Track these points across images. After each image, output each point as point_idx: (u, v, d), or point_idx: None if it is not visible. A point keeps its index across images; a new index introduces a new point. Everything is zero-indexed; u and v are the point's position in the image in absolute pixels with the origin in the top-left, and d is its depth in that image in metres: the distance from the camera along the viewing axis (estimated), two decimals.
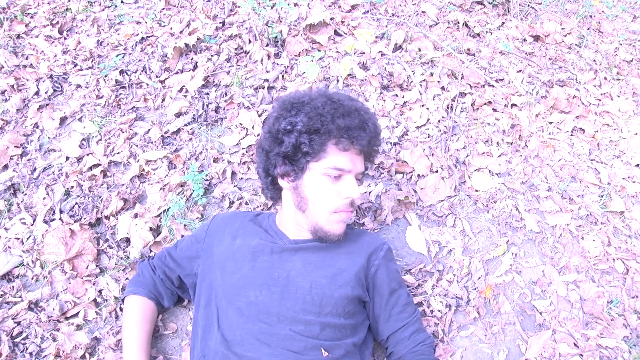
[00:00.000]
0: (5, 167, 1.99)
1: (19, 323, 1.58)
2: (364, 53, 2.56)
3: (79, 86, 2.29)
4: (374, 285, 1.45)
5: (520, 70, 2.74)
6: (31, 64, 2.37)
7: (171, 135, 2.13)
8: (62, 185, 1.92)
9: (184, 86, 2.29)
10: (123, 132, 2.11)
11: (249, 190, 1.97)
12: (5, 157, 2.01)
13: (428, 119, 2.30)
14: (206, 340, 1.34)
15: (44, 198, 1.89)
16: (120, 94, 2.27)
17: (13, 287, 1.65)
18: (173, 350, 1.58)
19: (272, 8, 2.67)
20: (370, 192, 1.99)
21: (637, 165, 2.34)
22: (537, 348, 1.64)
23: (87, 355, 1.53)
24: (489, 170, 2.15)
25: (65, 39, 2.54)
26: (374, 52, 2.57)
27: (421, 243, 1.86)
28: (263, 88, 2.31)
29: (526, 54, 2.93)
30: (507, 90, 2.55)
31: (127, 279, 1.70)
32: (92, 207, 1.87)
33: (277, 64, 2.42)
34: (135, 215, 1.85)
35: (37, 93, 2.24)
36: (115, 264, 1.74)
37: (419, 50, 2.65)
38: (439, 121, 2.30)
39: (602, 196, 2.15)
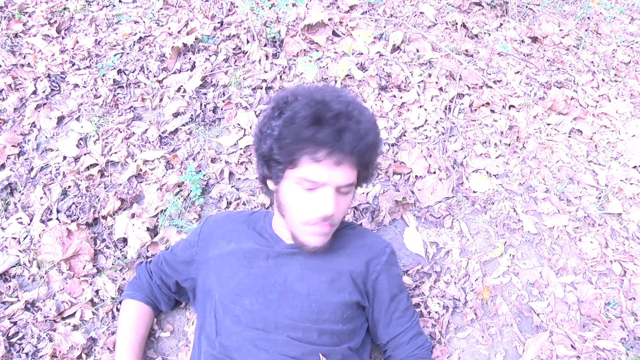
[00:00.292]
0: (3, 166, 1.99)
1: (15, 323, 1.57)
2: (362, 54, 2.56)
3: (76, 85, 2.29)
4: (374, 292, 1.41)
5: (518, 72, 2.74)
6: (29, 63, 2.37)
7: (169, 135, 2.13)
8: (59, 185, 1.92)
9: (181, 86, 2.29)
10: (120, 132, 2.10)
11: (247, 191, 1.97)
12: (3, 156, 2.00)
13: (426, 120, 2.30)
14: (207, 347, 1.33)
15: (41, 197, 1.88)
16: (118, 93, 2.27)
17: (9, 286, 1.65)
18: (170, 352, 1.58)
19: (270, 8, 2.66)
20: (367, 193, 1.99)
21: (635, 167, 2.35)
22: (534, 350, 1.64)
23: (84, 356, 1.53)
24: (487, 172, 2.15)
25: (63, 38, 2.53)
26: (372, 52, 2.57)
27: (419, 244, 1.86)
28: (261, 88, 2.31)
29: (524, 55, 2.93)
30: (505, 92, 2.55)
31: (124, 279, 1.70)
32: (89, 207, 1.86)
33: (275, 65, 2.42)
34: (133, 216, 1.84)
35: (34, 92, 2.24)
36: (112, 264, 1.73)
37: (417, 51, 2.65)
38: (436, 122, 2.30)
39: (599, 198, 2.15)
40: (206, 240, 1.47)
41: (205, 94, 2.28)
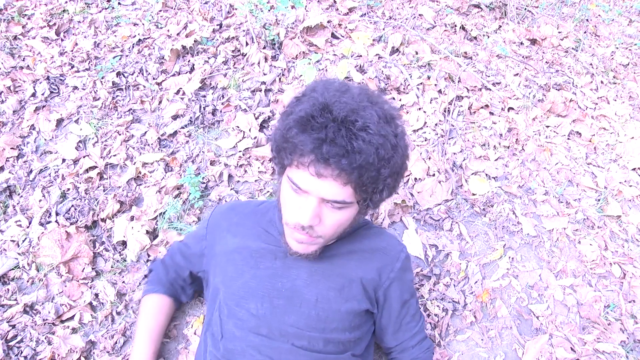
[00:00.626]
0: (1, 168, 1.98)
1: (14, 326, 1.57)
2: (361, 56, 2.56)
3: (75, 88, 2.28)
4: (385, 299, 1.35)
5: (517, 74, 2.75)
6: (28, 66, 2.36)
7: (168, 137, 2.12)
8: (58, 188, 1.91)
9: (181, 88, 2.29)
10: (120, 135, 2.10)
11: (246, 193, 1.96)
12: (2, 158, 2.00)
13: (425, 123, 2.30)
14: (212, 348, 1.32)
15: (40, 200, 1.88)
16: (117, 96, 2.26)
17: (8, 289, 1.64)
18: (170, 355, 1.57)
19: (269, 11, 2.66)
20: None
21: (634, 169, 2.35)
22: (533, 352, 1.64)
23: (83, 359, 1.52)
24: (486, 174, 2.15)
25: (62, 40, 2.53)
26: (371, 55, 2.57)
27: (418, 247, 1.85)
28: (260, 91, 2.31)
29: (523, 57, 2.93)
30: (504, 94, 2.55)
31: (123, 282, 1.70)
32: (88, 209, 1.86)
33: (274, 67, 2.42)
34: (132, 218, 1.84)
35: (33, 95, 2.24)
36: (112, 267, 1.73)
37: (416, 53, 2.65)
38: (436, 124, 2.30)
39: (599, 200, 2.15)
40: (213, 234, 1.43)
41: (205, 96, 2.28)
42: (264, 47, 2.49)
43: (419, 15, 3.04)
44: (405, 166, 1.11)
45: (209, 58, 2.43)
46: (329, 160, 0.98)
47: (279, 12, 2.62)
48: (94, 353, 1.55)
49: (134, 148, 2.07)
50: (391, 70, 2.49)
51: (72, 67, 2.38)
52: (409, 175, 2.08)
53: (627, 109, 2.70)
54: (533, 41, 3.13)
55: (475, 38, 2.98)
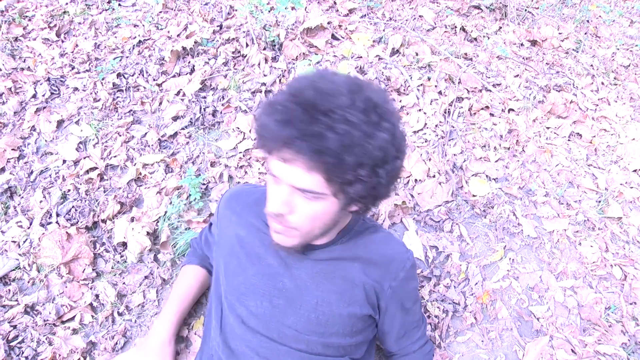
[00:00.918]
0: (2, 169, 1.98)
1: (15, 327, 1.57)
2: (361, 57, 2.56)
3: (76, 89, 2.29)
4: (387, 307, 1.30)
5: (517, 75, 2.75)
6: (29, 67, 2.37)
7: (168, 138, 2.13)
8: (59, 189, 1.92)
9: (181, 89, 2.29)
10: (120, 136, 2.10)
11: None
12: (2, 159, 2.00)
13: (425, 124, 2.30)
14: (213, 342, 1.33)
15: (40, 201, 1.88)
16: (118, 97, 2.27)
17: (9, 290, 1.65)
18: None
19: (269, 12, 2.67)
20: None
21: (635, 170, 2.35)
22: (534, 354, 1.64)
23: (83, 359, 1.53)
24: (486, 175, 2.15)
25: (62, 41, 2.54)
26: (371, 56, 2.57)
27: (418, 248, 1.85)
28: (260, 92, 2.31)
29: (523, 58, 2.93)
30: (504, 95, 2.55)
31: (123, 283, 1.70)
32: (89, 210, 1.86)
33: (275, 68, 2.42)
34: (132, 219, 1.84)
35: (34, 96, 2.24)
36: (112, 268, 1.73)
37: (417, 54, 2.65)
38: (436, 126, 2.30)
39: (599, 202, 2.15)
40: (221, 222, 1.41)
41: (205, 97, 2.28)
42: (264, 48, 2.49)
43: (419, 16, 3.04)
44: (387, 159, 0.99)
45: (209, 59, 2.43)
46: (289, 143, 0.94)
47: (279, 13, 2.62)
48: (94, 354, 1.55)
49: (134, 149, 2.07)
50: (391, 72, 2.49)
51: (73, 68, 2.38)
52: (409, 177, 2.08)
53: (628, 110, 2.70)
54: (533, 42, 3.13)
55: (475, 39, 2.98)
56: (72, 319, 1.61)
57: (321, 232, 1.13)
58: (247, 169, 2.05)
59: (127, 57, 2.45)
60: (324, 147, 0.91)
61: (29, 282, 1.68)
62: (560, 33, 3.26)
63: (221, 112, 2.23)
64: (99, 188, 1.94)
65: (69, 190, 1.92)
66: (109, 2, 2.77)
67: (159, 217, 1.85)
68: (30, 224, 1.82)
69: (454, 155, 2.20)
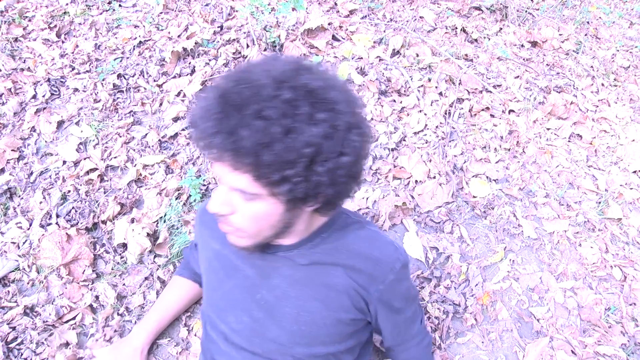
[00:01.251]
0: (2, 170, 1.98)
1: (14, 328, 1.57)
2: (361, 58, 2.56)
3: (76, 90, 2.28)
4: (377, 310, 1.20)
5: (517, 76, 2.75)
6: (29, 68, 2.36)
7: (168, 139, 2.13)
8: (59, 190, 1.91)
9: (181, 90, 2.29)
10: (120, 137, 2.10)
11: None
12: (2, 160, 2.00)
13: (426, 125, 2.30)
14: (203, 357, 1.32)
15: (40, 202, 1.88)
16: (118, 98, 2.27)
17: (8, 291, 1.64)
18: (169, 358, 1.57)
19: (270, 13, 2.67)
20: (367, 198, 1.99)
21: (635, 171, 2.35)
22: (534, 355, 1.63)
23: None
24: (487, 177, 2.15)
25: (63, 42, 2.53)
26: (371, 57, 2.57)
27: (419, 249, 1.85)
28: None
29: (524, 59, 2.93)
30: (504, 96, 2.55)
31: (123, 284, 1.69)
32: (89, 211, 1.86)
33: None
34: (132, 220, 1.84)
35: (34, 96, 2.24)
36: (112, 270, 1.73)
37: (417, 55, 2.65)
38: (436, 127, 2.30)
39: (599, 203, 2.15)
40: (198, 238, 1.37)
41: None
42: (265, 49, 2.49)
43: (420, 17, 3.04)
44: (323, 156, 0.87)
45: (209, 60, 2.43)
46: (208, 140, 0.86)
47: (280, 14, 2.62)
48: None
49: (134, 150, 2.07)
50: (392, 73, 2.49)
51: (73, 69, 2.38)
52: (409, 178, 2.08)
53: (628, 112, 2.70)
54: (534, 43, 3.13)
55: (476, 40, 2.98)
56: (72, 320, 1.61)
57: (274, 234, 1.04)
58: None
59: (127, 57, 2.45)
60: (239, 145, 0.83)
61: (28, 283, 1.68)
62: (560, 34, 3.26)
63: None
64: (99, 189, 1.94)
65: (69, 191, 1.92)
66: (109, 3, 2.77)
67: (160, 218, 1.85)
68: (30, 225, 1.82)
69: (455, 156, 2.20)
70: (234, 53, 2.46)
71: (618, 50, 3.30)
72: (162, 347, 1.58)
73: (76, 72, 2.37)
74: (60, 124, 2.15)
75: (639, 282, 1.88)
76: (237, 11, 2.73)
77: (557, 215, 2.06)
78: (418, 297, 1.35)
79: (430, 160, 2.14)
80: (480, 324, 1.71)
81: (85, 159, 2.02)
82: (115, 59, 2.42)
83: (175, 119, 2.18)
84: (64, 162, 2.02)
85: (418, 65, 2.59)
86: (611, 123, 2.61)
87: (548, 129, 2.47)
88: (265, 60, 0.95)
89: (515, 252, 1.92)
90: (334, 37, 2.67)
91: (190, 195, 1.89)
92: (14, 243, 1.77)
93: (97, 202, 1.90)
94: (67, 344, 1.54)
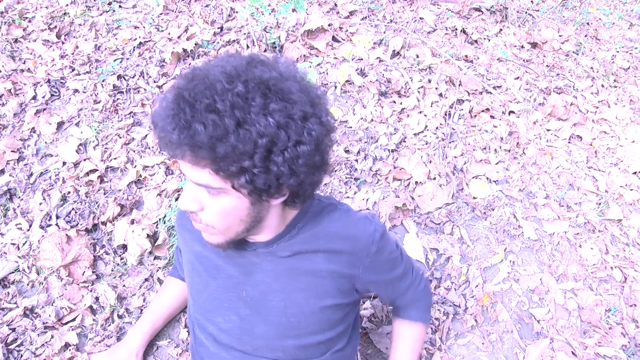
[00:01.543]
0: (2, 171, 1.98)
1: (13, 330, 1.56)
2: (361, 59, 2.56)
3: (76, 91, 2.28)
4: (365, 283, 1.20)
5: (517, 77, 2.75)
6: (29, 69, 2.36)
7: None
8: (59, 191, 1.91)
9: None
10: (120, 138, 2.10)
11: None
12: (2, 161, 2.00)
13: (426, 126, 2.30)
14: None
15: (40, 203, 1.88)
16: (118, 99, 2.26)
17: (8, 293, 1.64)
18: (169, 357, 1.57)
19: (270, 14, 2.67)
20: (367, 199, 1.99)
21: (635, 172, 2.35)
22: (534, 356, 1.63)
23: None
24: (487, 178, 2.15)
25: (63, 43, 2.53)
26: (371, 58, 2.57)
27: (419, 250, 1.85)
28: None
29: (524, 61, 2.93)
30: (504, 97, 2.55)
31: (124, 285, 1.69)
32: (89, 212, 1.86)
33: None
34: (132, 222, 1.84)
35: (34, 97, 2.23)
36: (112, 271, 1.73)
37: (417, 56, 2.65)
38: (436, 128, 2.30)
39: (599, 204, 2.15)
40: (180, 241, 1.36)
41: None
42: (265, 50, 2.49)
43: (420, 18, 3.05)
44: (279, 145, 0.88)
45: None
46: (167, 137, 0.87)
47: (280, 15, 2.62)
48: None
49: (134, 151, 2.07)
50: (392, 74, 2.49)
51: (73, 70, 2.38)
52: (409, 179, 2.08)
53: (628, 113, 2.70)
54: (534, 45, 3.13)
55: (475, 41, 2.98)
56: (72, 321, 1.61)
57: (245, 229, 1.03)
58: None
59: (127, 58, 2.45)
60: (195, 140, 0.84)
61: (28, 284, 1.67)
62: (560, 35, 3.26)
63: None
64: (99, 190, 1.94)
65: (68, 192, 1.91)
66: (109, 4, 2.77)
67: (159, 220, 1.85)
68: (30, 226, 1.82)
69: (455, 157, 2.20)
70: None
71: (618, 52, 3.31)
72: (162, 348, 1.58)
73: (76, 73, 2.37)
74: (60, 125, 2.15)
75: (639, 283, 1.88)
76: (237, 12, 2.73)
77: (557, 216, 2.06)
78: (403, 253, 1.32)
79: (430, 162, 2.14)
80: (480, 325, 1.71)
81: (85, 160, 2.02)
82: (115, 60, 2.42)
83: None
84: (64, 163, 2.01)
85: (418, 67, 2.59)
86: (611, 124, 2.61)
87: (548, 130, 2.47)
88: (221, 57, 0.95)
89: (515, 254, 1.92)
90: (334, 38, 2.67)
91: None
92: (13, 244, 1.76)
93: (97, 203, 1.90)
94: (67, 346, 1.53)
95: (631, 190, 2.25)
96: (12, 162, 2.01)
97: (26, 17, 2.63)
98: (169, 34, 2.57)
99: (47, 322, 1.57)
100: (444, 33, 2.96)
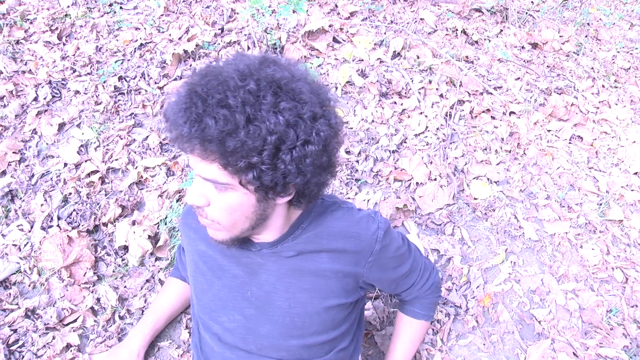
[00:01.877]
0: (3, 173, 1.98)
1: (15, 331, 1.56)
2: (362, 60, 2.56)
3: (77, 92, 2.29)
4: (370, 280, 1.21)
5: (518, 78, 2.75)
6: (30, 70, 2.37)
7: (169, 142, 2.12)
8: (60, 192, 1.91)
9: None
10: (121, 139, 2.10)
11: None
12: (4, 163, 2.00)
13: (426, 127, 2.30)
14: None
15: (41, 204, 1.88)
16: (119, 100, 2.27)
17: (10, 294, 1.64)
18: (170, 359, 1.57)
19: (271, 15, 2.67)
20: (368, 200, 1.99)
21: (636, 173, 2.35)
22: (536, 357, 1.63)
23: None
24: (488, 178, 2.15)
25: (64, 44, 2.54)
26: (372, 59, 2.57)
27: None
28: None
29: (524, 61, 2.93)
30: (505, 98, 2.55)
31: (125, 286, 1.69)
32: (90, 214, 1.86)
33: None
34: (133, 223, 1.84)
35: (35, 99, 2.24)
36: (113, 272, 1.73)
37: (418, 57, 2.65)
38: (437, 129, 2.30)
39: (600, 204, 2.15)
40: (184, 241, 1.36)
41: None
42: (266, 51, 2.49)
43: (420, 19, 3.05)
44: (288, 143, 0.89)
45: (210, 62, 2.43)
46: (178, 131, 0.89)
47: (281, 16, 2.62)
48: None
49: (135, 152, 2.07)
50: (393, 75, 2.49)
51: (74, 71, 2.38)
52: (410, 180, 2.08)
53: (629, 113, 2.70)
54: (534, 45, 3.13)
55: (476, 42, 2.98)
56: (74, 322, 1.61)
57: (250, 227, 1.04)
58: None
59: (128, 60, 2.45)
60: (205, 133, 0.86)
61: (29, 285, 1.68)
62: (561, 36, 3.26)
63: None
64: (100, 191, 1.94)
65: (70, 193, 1.92)
66: (110, 5, 2.77)
67: (160, 221, 1.85)
68: (31, 228, 1.82)
69: (455, 158, 2.20)
70: (228, 56, 2.46)
71: (618, 52, 3.31)
72: (164, 349, 1.58)
73: (77, 74, 2.37)
74: (61, 126, 2.15)
75: None
76: (237, 13, 2.73)
77: (558, 217, 2.05)
78: (411, 249, 1.31)
79: (431, 162, 2.14)
80: (481, 326, 1.71)
81: (86, 161, 2.02)
82: (116, 61, 2.42)
83: None
84: (65, 165, 2.02)
85: (419, 67, 2.59)
86: (612, 125, 2.61)
87: (549, 131, 2.47)
88: (234, 56, 0.97)
89: (516, 254, 1.92)
90: (334, 39, 2.67)
91: None
92: (15, 245, 1.77)
93: (98, 204, 1.90)
94: (68, 347, 1.54)
95: (632, 190, 2.25)
96: (14, 163, 2.02)
97: (28, 19, 2.64)
98: (170, 35, 2.57)
99: (48, 323, 1.57)
100: (445, 34, 2.96)
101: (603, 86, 2.90)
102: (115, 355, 1.48)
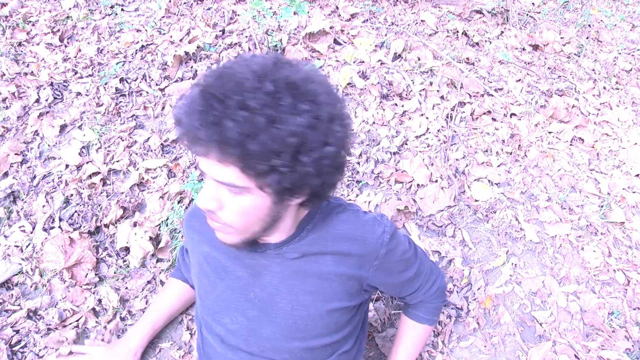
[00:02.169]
0: (5, 174, 1.99)
1: (17, 331, 1.57)
2: (363, 62, 2.56)
3: (79, 94, 2.29)
4: (375, 284, 1.21)
5: (519, 80, 2.75)
6: (32, 72, 2.37)
7: (171, 143, 2.13)
8: (62, 193, 1.92)
9: (183, 94, 2.29)
10: (123, 140, 2.11)
11: None
12: (6, 164, 2.00)
13: (427, 129, 2.30)
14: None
15: (43, 206, 1.89)
16: (120, 102, 2.27)
17: (12, 295, 1.65)
18: None
19: (272, 17, 2.67)
20: (369, 202, 1.99)
21: (637, 175, 2.34)
22: (537, 359, 1.63)
23: None
24: (489, 180, 2.15)
25: (65, 46, 2.54)
26: (373, 61, 2.57)
27: None
28: None
29: (525, 63, 2.94)
30: (506, 100, 2.56)
31: (126, 288, 1.70)
32: (92, 215, 1.86)
33: None
34: (135, 224, 1.84)
35: (37, 101, 2.24)
36: (115, 273, 1.73)
37: (419, 59, 2.65)
38: (438, 130, 2.30)
39: (602, 206, 2.15)
40: (187, 242, 1.35)
41: None
42: (267, 53, 2.50)
43: (421, 21, 3.05)
44: (308, 145, 0.88)
45: (211, 64, 2.44)
46: (194, 134, 0.87)
47: (282, 18, 2.63)
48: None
49: (137, 154, 2.08)
50: (393, 76, 2.49)
51: (76, 73, 2.39)
52: (411, 182, 2.08)
53: (630, 115, 2.70)
54: (535, 47, 3.13)
55: (477, 44, 2.99)
56: (75, 323, 1.62)
57: (262, 229, 1.03)
58: None
59: (129, 61, 2.46)
60: (224, 136, 0.83)
61: (31, 286, 1.68)
62: (562, 37, 3.26)
63: None
64: (101, 193, 1.95)
65: (71, 195, 1.92)
66: (112, 7, 2.78)
67: (162, 222, 1.85)
68: (33, 229, 1.83)
69: (456, 160, 2.20)
70: (236, 57, 2.47)
71: (620, 53, 3.31)
72: (165, 350, 1.58)
73: (79, 76, 2.38)
74: (63, 127, 2.16)
75: None
76: (238, 15, 2.74)
77: (559, 219, 2.05)
78: (418, 253, 1.30)
79: (432, 164, 2.14)
80: (482, 328, 1.71)
81: (87, 162, 2.03)
82: (117, 63, 2.43)
83: None
84: (67, 166, 2.02)
85: (419, 69, 2.59)
86: (613, 126, 2.61)
87: (550, 133, 2.47)
88: (244, 57, 0.95)
89: (517, 256, 1.92)
90: (335, 41, 2.67)
91: (192, 199, 1.90)
92: (17, 246, 1.77)
93: (99, 205, 1.90)
94: None
95: (634, 192, 2.25)
96: (16, 164, 2.02)
97: (30, 21, 2.64)
98: (171, 37, 2.58)
99: (50, 324, 1.58)
100: (445, 35, 2.96)
101: (604, 88, 2.90)
102: (113, 351, 1.48)
